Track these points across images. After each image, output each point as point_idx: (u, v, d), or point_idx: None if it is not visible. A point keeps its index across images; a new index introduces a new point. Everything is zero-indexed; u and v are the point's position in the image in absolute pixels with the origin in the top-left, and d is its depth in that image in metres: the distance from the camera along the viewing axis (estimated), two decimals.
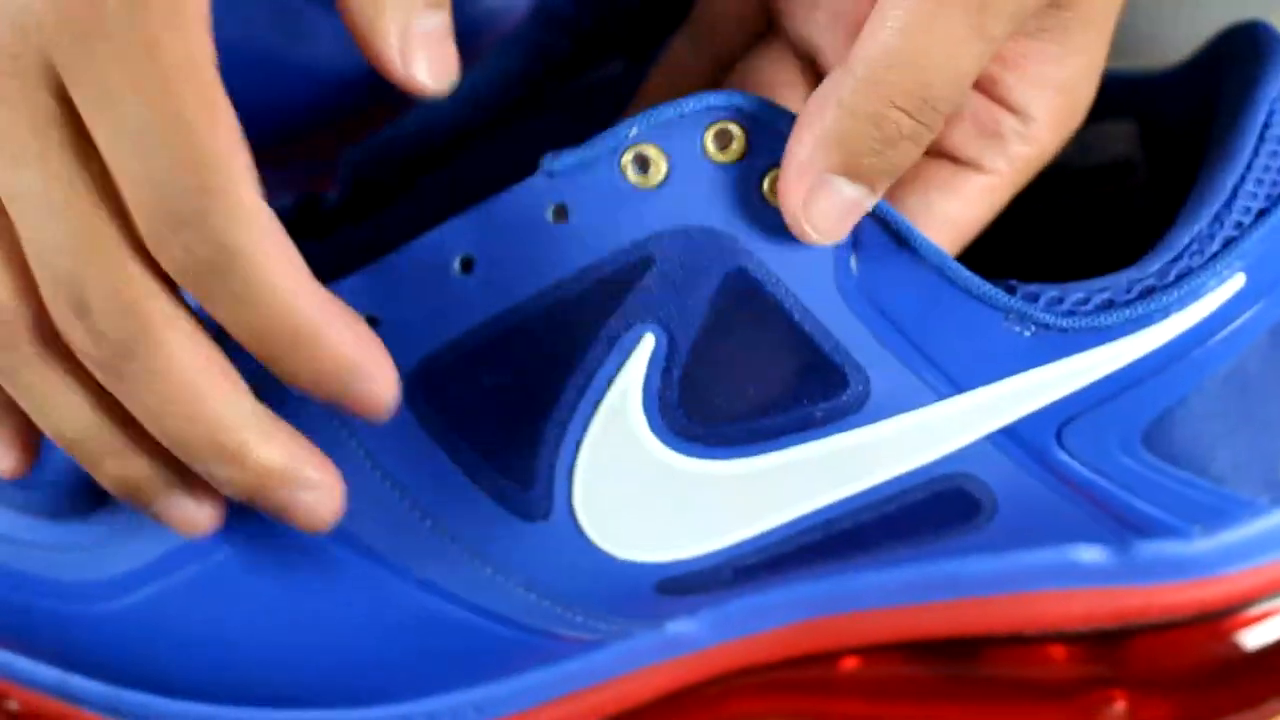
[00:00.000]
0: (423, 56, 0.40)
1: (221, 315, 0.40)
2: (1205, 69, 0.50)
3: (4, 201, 0.40)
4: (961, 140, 0.45)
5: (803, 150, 0.41)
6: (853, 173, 0.41)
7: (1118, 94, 0.50)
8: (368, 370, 0.41)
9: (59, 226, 0.40)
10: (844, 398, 0.44)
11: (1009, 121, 0.45)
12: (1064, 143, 0.46)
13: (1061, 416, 0.45)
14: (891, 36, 0.40)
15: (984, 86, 0.45)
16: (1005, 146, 0.45)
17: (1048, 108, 0.45)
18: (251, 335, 0.40)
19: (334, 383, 0.41)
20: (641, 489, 0.45)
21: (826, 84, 0.41)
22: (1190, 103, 0.50)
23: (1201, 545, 0.48)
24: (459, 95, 0.51)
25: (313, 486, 0.42)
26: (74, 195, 0.40)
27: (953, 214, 0.45)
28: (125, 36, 0.38)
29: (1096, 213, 0.52)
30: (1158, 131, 0.51)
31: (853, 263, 0.43)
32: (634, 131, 0.43)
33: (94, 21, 0.38)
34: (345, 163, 0.52)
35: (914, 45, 0.40)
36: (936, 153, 0.46)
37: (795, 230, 0.41)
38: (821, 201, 0.41)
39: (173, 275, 0.40)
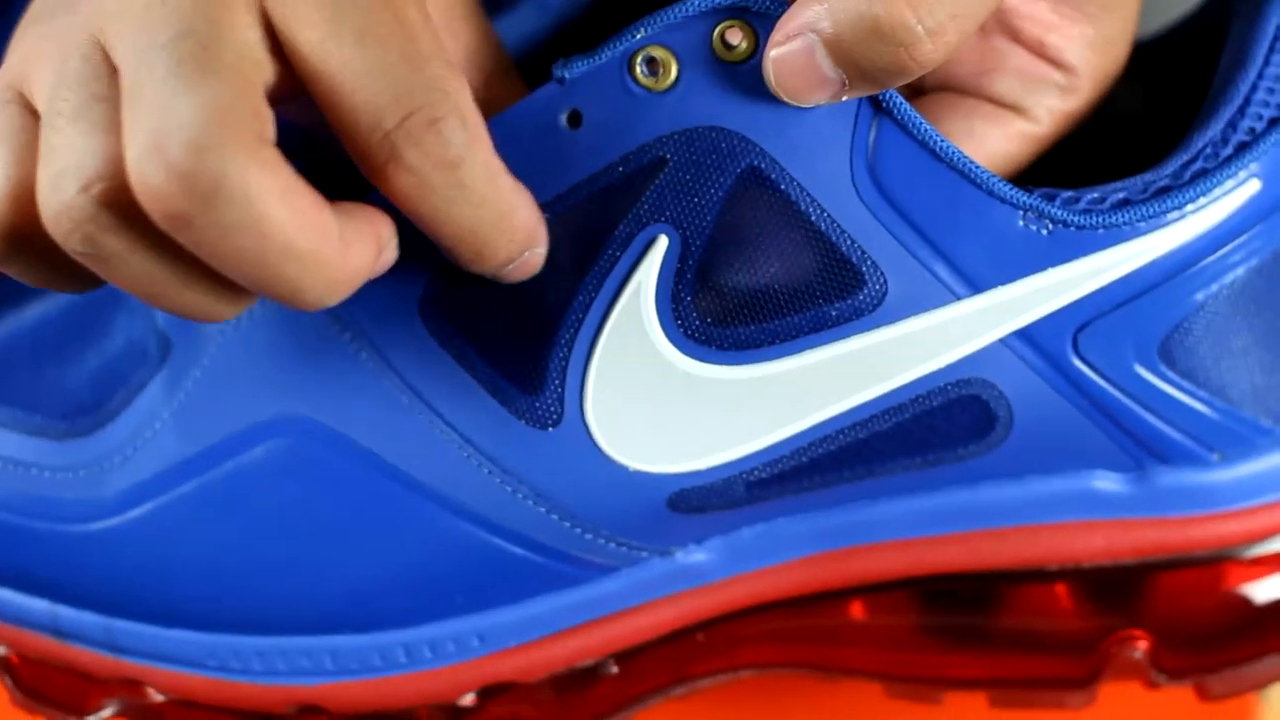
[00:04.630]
0: None
1: (440, 210, 0.41)
2: (1206, 24, 0.50)
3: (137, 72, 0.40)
4: (1006, 88, 0.47)
5: (807, 9, 0.42)
6: (834, 48, 0.42)
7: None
8: (542, 233, 0.44)
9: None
10: (860, 297, 0.44)
11: (1053, 75, 0.47)
12: (1101, 99, 0.48)
13: (1078, 320, 0.45)
14: None
15: (1030, 46, 0.47)
16: (1048, 96, 0.47)
17: (1088, 64, 0.47)
18: (465, 227, 0.42)
19: (520, 252, 0.43)
20: (654, 396, 0.45)
21: None
22: (1195, 59, 0.50)
23: (1221, 475, 0.47)
24: None
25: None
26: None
27: (992, 145, 0.47)
28: None
29: (1104, 172, 0.52)
30: (1164, 91, 0.51)
31: (869, 161, 0.43)
32: (641, 34, 0.44)
33: None
34: None
35: None
36: (983, 97, 0.48)
37: (764, 71, 0.43)
38: (792, 54, 0.42)
39: (397, 177, 0.41)
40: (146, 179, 0.39)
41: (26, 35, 0.43)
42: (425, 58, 0.41)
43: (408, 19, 0.41)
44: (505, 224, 0.42)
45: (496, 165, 0.42)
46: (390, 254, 0.43)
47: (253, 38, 0.40)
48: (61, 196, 0.40)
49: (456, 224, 0.42)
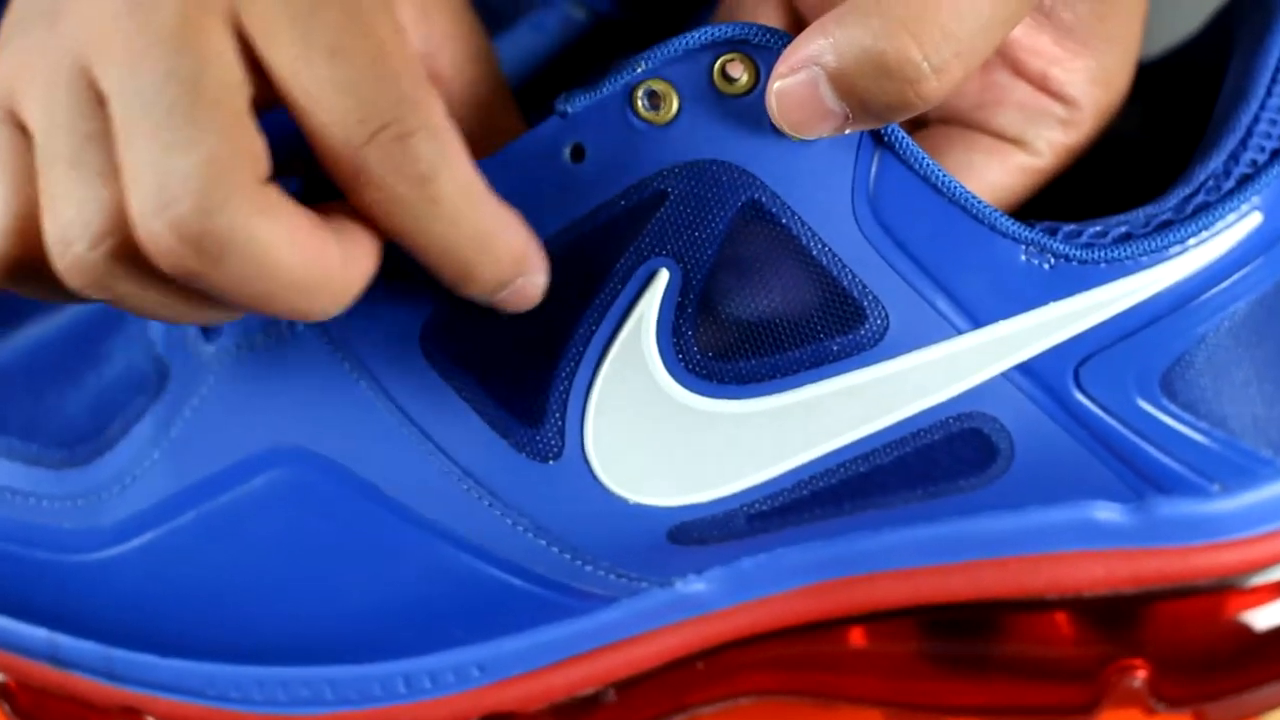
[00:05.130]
0: None
1: (413, 228, 0.42)
2: (1207, 47, 0.50)
3: (125, 109, 0.41)
4: (1008, 122, 0.47)
5: (811, 42, 0.42)
6: (838, 82, 0.42)
7: None
8: (535, 261, 0.43)
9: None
10: (861, 332, 0.44)
11: (1055, 108, 0.47)
12: (1102, 131, 0.48)
13: (1079, 354, 0.45)
14: None
15: (1032, 79, 0.47)
16: (1049, 129, 0.48)
17: (1090, 97, 0.47)
18: (441, 246, 0.42)
19: (509, 278, 0.43)
20: (654, 429, 0.45)
21: None
22: (1194, 82, 0.50)
23: (1221, 505, 0.48)
24: None
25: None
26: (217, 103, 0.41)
27: (991, 178, 0.47)
28: None
29: (1101, 192, 0.52)
30: (1162, 113, 0.51)
31: (870, 194, 0.43)
32: (642, 67, 0.44)
33: None
34: None
35: None
36: (984, 130, 0.48)
37: (767, 103, 0.43)
38: (795, 86, 0.42)
39: (367, 193, 0.41)
40: (155, 240, 0.40)
41: (9, 49, 0.43)
42: (396, 74, 0.41)
43: (380, 36, 0.41)
44: (487, 245, 0.42)
45: (474, 183, 0.42)
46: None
47: (232, 59, 0.41)
48: (73, 251, 0.41)
49: (431, 241, 0.42)
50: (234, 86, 0.41)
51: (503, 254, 0.43)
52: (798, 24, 0.48)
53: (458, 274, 0.42)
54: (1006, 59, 0.47)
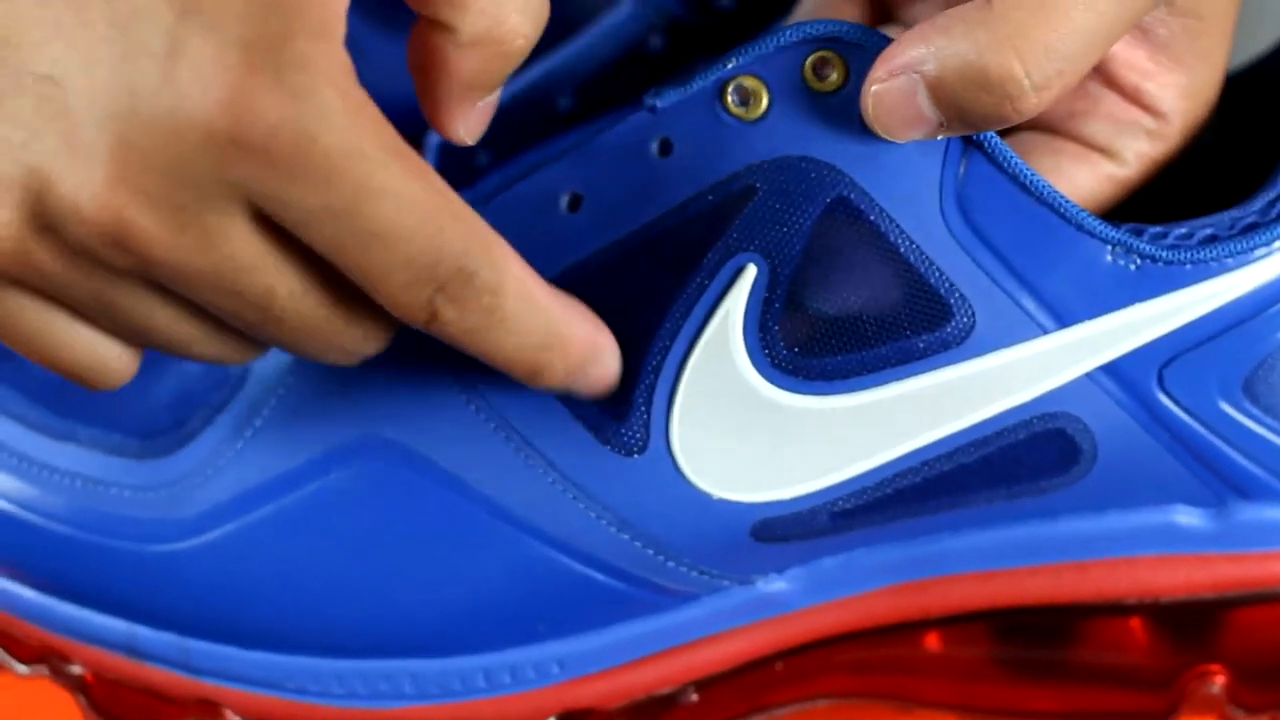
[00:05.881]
0: (475, 124, 0.43)
1: (486, 347, 0.42)
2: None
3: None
4: (1097, 131, 0.48)
5: (912, 48, 0.42)
6: (936, 91, 0.42)
7: None
8: (605, 347, 0.45)
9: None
10: (947, 330, 0.45)
11: (1145, 120, 0.48)
12: (1188, 144, 0.49)
13: (1163, 355, 0.45)
14: None
15: (1124, 91, 0.48)
16: (1138, 141, 0.48)
17: (1180, 111, 0.48)
18: (511, 355, 0.43)
19: (580, 370, 0.44)
20: (739, 425, 0.45)
21: (968, 7, 0.42)
22: (1270, 95, 0.50)
23: None
24: (550, 77, 0.53)
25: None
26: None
27: (1077, 185, 0.48)
28: (322, 166, 0.39)
29: (1175, 204, 0.52)
30: (1237, 126, 0.52)
31: (958, 193, 0.44)
32: (733, 63, 0.44)
33: (289, 158, 0.39)
34: (433, 143, 0.52)
35: None
36: (1073, 138, 0.48)
37: (862, 105, 0.43)
38: (893, 91, 0.43)
39: (439, 329, 0.42)
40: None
41: None
42: (443, 228, 0.40)
43: (413, 198, 0.40)
44: (554, 342, 0.43)
45: (534, 290, 0.42)
46: None
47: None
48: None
49: (503, 352, 0.43)
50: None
51: (572, 347, 0.44)
52: (880, 21, 0.48)
53: (528, 375, 0.43)
54: (1101, 71, 0.47)
